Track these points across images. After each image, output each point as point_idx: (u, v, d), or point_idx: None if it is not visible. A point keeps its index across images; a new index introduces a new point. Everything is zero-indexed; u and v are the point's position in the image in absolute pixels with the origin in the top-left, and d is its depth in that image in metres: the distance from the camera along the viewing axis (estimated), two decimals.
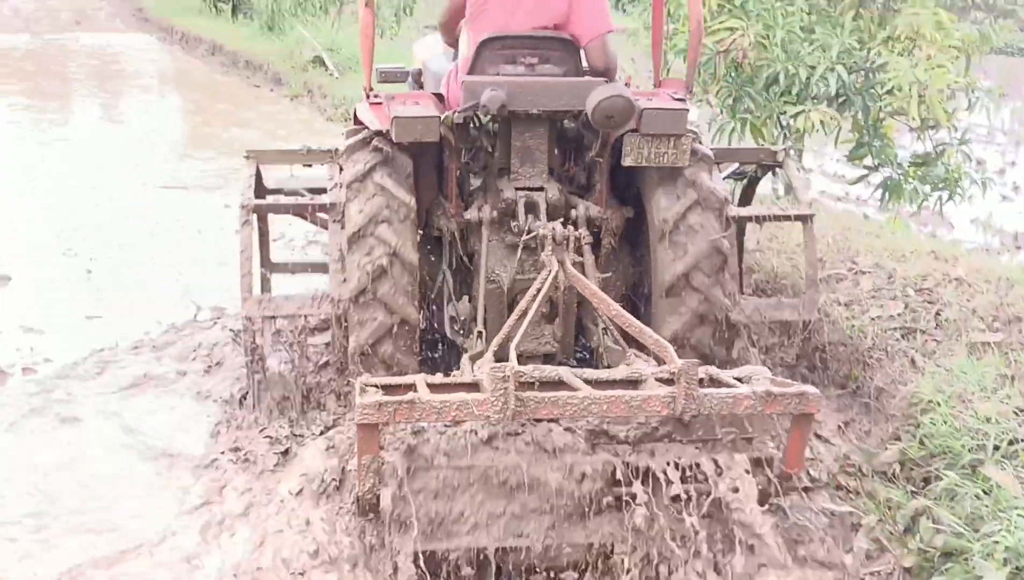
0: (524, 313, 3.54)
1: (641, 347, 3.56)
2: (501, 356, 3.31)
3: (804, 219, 4.29)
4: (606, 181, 4.08)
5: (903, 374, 4.19)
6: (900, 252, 5.34)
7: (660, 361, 3.33)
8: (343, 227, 3.87)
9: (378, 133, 3.87)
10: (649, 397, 3.02)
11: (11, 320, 5.23)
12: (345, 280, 3.83)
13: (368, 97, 4.00)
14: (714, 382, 3.17)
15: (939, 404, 3.79)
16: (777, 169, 4.91)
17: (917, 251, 5.37)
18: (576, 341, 4.16)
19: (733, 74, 6.80)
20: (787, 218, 4.54)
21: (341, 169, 4.07)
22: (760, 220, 4.50)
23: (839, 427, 4.25)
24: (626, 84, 4.17)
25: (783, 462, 3.33)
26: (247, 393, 4.26)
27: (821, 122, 6.45)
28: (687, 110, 3.89)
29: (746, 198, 4.95)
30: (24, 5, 26.03)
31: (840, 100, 6.77)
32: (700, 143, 4.04)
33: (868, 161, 7.10)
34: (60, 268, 6.16)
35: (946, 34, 6.48)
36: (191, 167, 9.15)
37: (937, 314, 4.55)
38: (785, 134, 6.98)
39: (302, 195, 4.51)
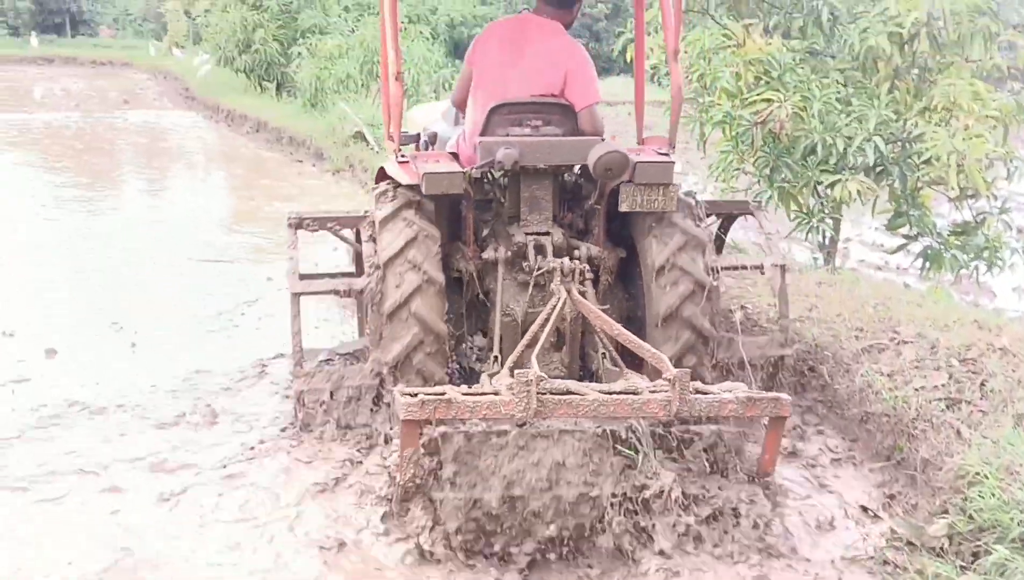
0: (536, 336, 4.09)
1: (638, 366, 4.19)
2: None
3: (780, 268, 4.85)
4: (602, 225, 4.75)
5: (949, 446, 4.11)
6: (942, 321, 5.28)
7: (657, 374, 3.78)
8: (378, 310, 4.44)
9: (408, 187, 4.51)
10: (649, 400, 3.53)
11: (57, 393, 5.30)
12: (380, 352, 4.42)
13: (396, 158, 4.67)
14: (700, 392, 3.64)
15: (987, 476, 3.70)
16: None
17: (960, 320, 5.30)
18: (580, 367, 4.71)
19: (770, 144, 6.85)
20: (759, 268, 4.93)
21: (372, 238, 4.59)
22: (735, 269, 5.08)
23: (885, 501, 4.17)
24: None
25: (760, 462, 3.81)
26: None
27: (858, 192, 6.47)
28: (673, 162, 4.57)
29: (719, 244, 5.35)
30: (74, 85, 26.94)
31: (877, 170, 6.80)
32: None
33: (906, 230, 7.08)
34: (107, 342, 6.25)
35: (983, 104, 6.50)
36: (235, 241, 9.33)
37: (982, 384, 4.47)
38: (822, 203, 7.00)
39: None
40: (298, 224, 4.88)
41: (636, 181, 4.42)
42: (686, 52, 7.13)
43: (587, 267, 4.50)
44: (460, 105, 5.07)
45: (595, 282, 4.61)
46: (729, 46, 7.10)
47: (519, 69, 4.74)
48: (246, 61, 19.03)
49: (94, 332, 6.43)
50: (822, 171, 6.65)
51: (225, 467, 4.41)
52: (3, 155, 14.70)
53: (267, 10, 18.28)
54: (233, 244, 9.15)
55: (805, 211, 6.96)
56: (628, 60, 7.15)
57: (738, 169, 7.34)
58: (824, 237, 7.37)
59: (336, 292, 4.81)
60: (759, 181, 7.21)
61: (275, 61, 18.49)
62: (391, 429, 4.33)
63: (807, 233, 7.08)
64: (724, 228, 5.43)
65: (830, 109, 6.58)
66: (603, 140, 4.54)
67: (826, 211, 6.93)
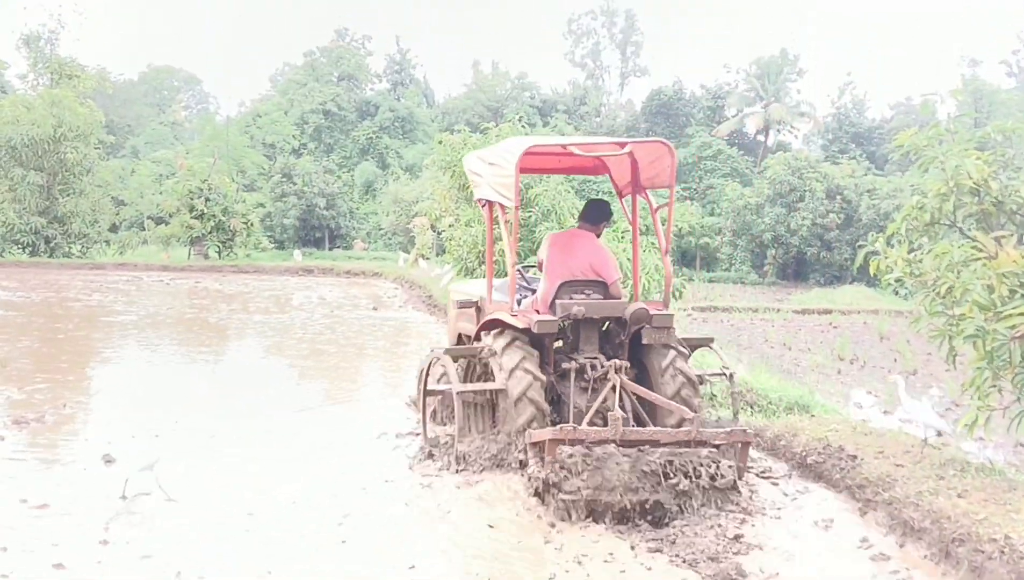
0: (606, 400, 7.73)
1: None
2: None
3: (729, 376, 8.93)
4: (626, 352, 8.26)
5: None
6: None
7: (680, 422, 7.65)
8: (507, 398, 7.85)
9: (515, 329, 8.02)
10: (680, 430, 7.24)
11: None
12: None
13: (513, 313, 8.18)
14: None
15: None
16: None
17: None
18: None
19: None
20: (719, 374, 9.11)
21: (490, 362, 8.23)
22: (702, 379, 8.84)
23: None
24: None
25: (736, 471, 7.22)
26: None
27: None
28: (673, 314, 8.13)
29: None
30: (330, 293, 29.14)
31: None
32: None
33: None
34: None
35: None
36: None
37: None
38: None
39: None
40: (443, 353, 8.65)
41: (653, 325, 8.04)
42: (936, 261, 6.94)
43: (627, 364, 8.07)
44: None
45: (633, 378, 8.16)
46: (980, 258, 6.85)
47: (574, 260, 8.43)
48: (485, 272, 19.98)
49: None
50: None
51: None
52: (259, 345, 16.05)
53: (506, 224, 19.41)
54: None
55: None
56: (873, 274, 7.06)
57: (994, 386, 6.91)
58: None
59: (485, 392, 8.33)
60: (1019, 399, 6.74)
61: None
62: (527, 454, 7.39)
63: None
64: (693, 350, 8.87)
65: None
66: (636, 304, 8.16)
67: None
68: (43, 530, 6.46)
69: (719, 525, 6.69)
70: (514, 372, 7.74)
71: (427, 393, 8.95)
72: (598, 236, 8.82)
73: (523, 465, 7.44)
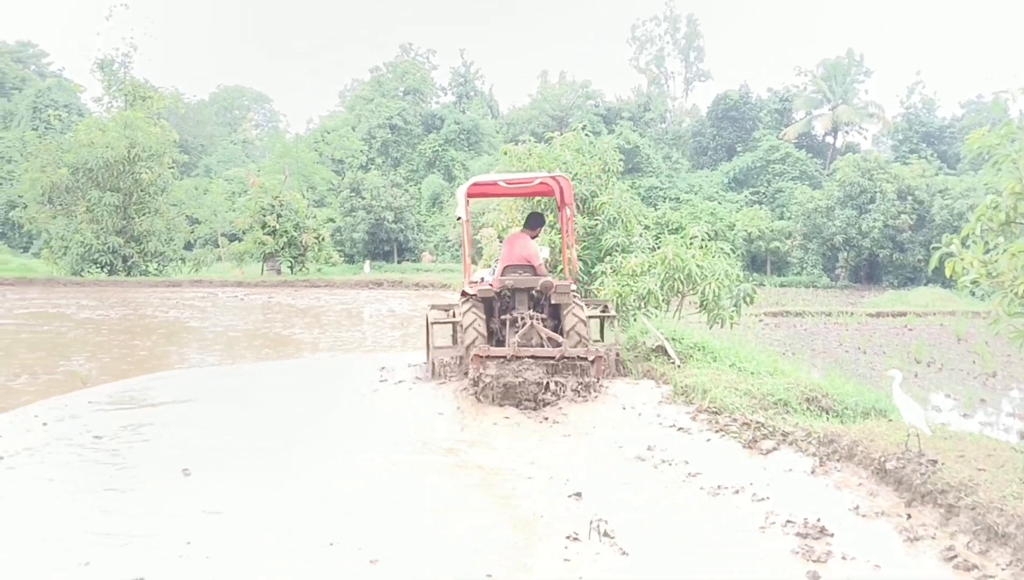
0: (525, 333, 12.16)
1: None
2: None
3: (611, 318, 14.09)
4: (546, 309, 12.78)
5: None
6: None
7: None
8: (463, 335, 12.47)
9: (475, 295, 12.60)
10: (554, 350, 11.82)
11: None
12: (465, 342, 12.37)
13: (470, 282, 13.22)
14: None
15: None
16: None
17: None
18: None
19: None
20: (607, 316, 14.12)
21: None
22: (595, 317, 13.88)
23: None
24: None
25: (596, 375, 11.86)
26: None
27: None
28: (571, 283, 12.91)
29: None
30: (399, 306, 29.44)
31: None
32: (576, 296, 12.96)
33: None
34: None
35: None
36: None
37: None
38: None
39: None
40: (433, 307, 14.38)
41: (558, 291, 12.54)
42: (1013, 261, 6.78)
43: (542, 315, 12.52)
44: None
45: (544, 323, 12.46)
46: None
47: (515, 252, 13.04)
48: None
49: None
50: None
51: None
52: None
53: (575, 232, 19.41)
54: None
55: None
56: (949, 275, 6.91)
57: None
58: None
59: (452, 323, 13.86)
60: None
61: (579, 280, 19.40)
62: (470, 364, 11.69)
63: None
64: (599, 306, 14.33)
65: None
66: (544, 278, 12.65)
67: None
68: (124, 544, 6.63)
69: (575, 402, 11.48)
70: (466, 314, 12.55)
71: (429, 332, 14.08)
72: (534, 237, 13.57)
73: (466, 373, 12.18)
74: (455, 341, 13.92)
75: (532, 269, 13.01)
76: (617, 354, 13.01)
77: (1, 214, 62.35)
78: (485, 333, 12.41)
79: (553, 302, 12.72)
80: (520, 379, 11.43)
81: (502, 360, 11.58)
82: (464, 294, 13.03)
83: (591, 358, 11.78)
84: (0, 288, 35.51)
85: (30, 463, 8.73)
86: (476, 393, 11.56)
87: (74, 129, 44.24)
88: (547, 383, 11.50)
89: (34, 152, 44.13)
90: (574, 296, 12.82)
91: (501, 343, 12.42)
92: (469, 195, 13.26)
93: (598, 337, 14.55)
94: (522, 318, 12.39)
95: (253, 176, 54.01)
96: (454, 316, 13.86)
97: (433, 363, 13.16)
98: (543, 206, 17.89)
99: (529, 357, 11.69)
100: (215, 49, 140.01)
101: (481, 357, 11.58)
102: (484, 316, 12.61)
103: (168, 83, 69.51)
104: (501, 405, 11.29)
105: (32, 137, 48.51)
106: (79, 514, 7.26)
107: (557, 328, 12.59)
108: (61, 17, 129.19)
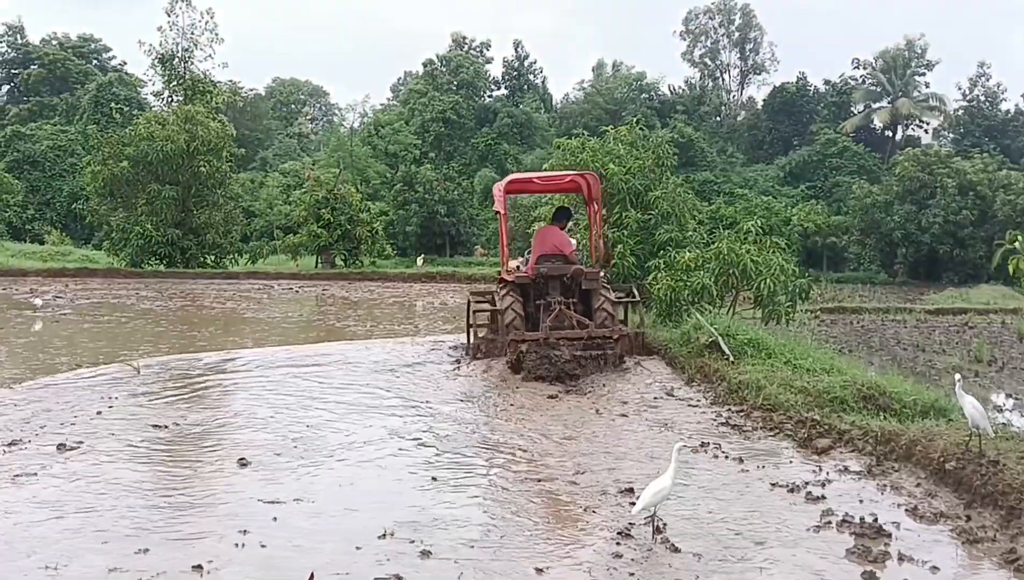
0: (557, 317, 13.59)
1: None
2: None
3: (636, 303, 15.48)
4: (577, 294, 14.05)
5: None
6: None
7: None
8: (502, 319, 13.96)
9: (512, 282, 14.12)
10: (583, 330, 13.43)
11: None
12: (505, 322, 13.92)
13: (507, 270, 14.78)
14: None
15: None
16: None
17: None
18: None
19: None
20: (632, 301, 15.53)
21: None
22: (621, 301, 15.12)
23: None
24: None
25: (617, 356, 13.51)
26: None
27: None
28: (599, 271, 14.55)
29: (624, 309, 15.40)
30: (451, 299, 29.56)
31: None
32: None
33: None
34: None
35: None
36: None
37: None
38: None
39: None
40: (473, 294, 16.13)
41: (587, 278, 14.06)
42: None
43: (574, 300, 13.89)
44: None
45: (574, 307, 13.80)
46: None
47: (547, 243, 14.59)
48: (606, 276, 19.96)
49: None
50: None
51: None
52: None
53: (627, 227, 19.27)
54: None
55: None
56: (1011, 272, 6.76)
57: None
58: None
59: (491, 311, 14.91)
60: None
61: (631, 274, 19.27)
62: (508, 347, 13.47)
63: None
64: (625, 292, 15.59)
65: None
66: (575, 265, 14.18)
67: None
68: (182, 530, 6.75)
69: (604, 384, 12.62)
70: (504, 298, 13.91)
71: (469, 316, 15.46)
72: (562, 229, 15.15)
73: (504, 353, 13.68)
74: (493, 325, 14.89)
75: (564, 258, 14.32)
76: (642, 335, 14.64)
77: (64, 206, 63.67)
78: (523, 315, 13.71)
79: (584, 288, 14.02)
80: (553, 358, 12.76)
81: (537, 342, 12.97)
82: (502, 281, 14.46)
83: (616, 337, 13.37)
84: (63, 279, 36.28)
85: (97, 449, 8.91)
86: (515, 371, 13.01)
87: (135, 123, 44.96)
88: (578, 360, 12.92)
89: (96, 145, 44.96)
90: (602, 282, 14.24)
91: (536, 326, 13.63)
92: (506, 192, 15.02)
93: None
94: (555, 303, 13.59)
95: (308, 170, 54.54)
96: (493, 302, 14.87)
97: (476, 344, 14.58)
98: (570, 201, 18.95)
99: (560, 339, 13.01)
100: (271, 42, 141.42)
101: (517, 340, 13.08)
102: (521, 300, 13.86)
103: (226, 76, 70.25)
104: (537, 381, 12.60)
105: (94, 131, 49.46)
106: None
107: (587, 312, 13.86)
108: (123, 11, 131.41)
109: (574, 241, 15.50)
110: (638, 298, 15.48)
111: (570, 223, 15.90)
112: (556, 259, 14.28)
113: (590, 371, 12.96)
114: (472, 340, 14.96)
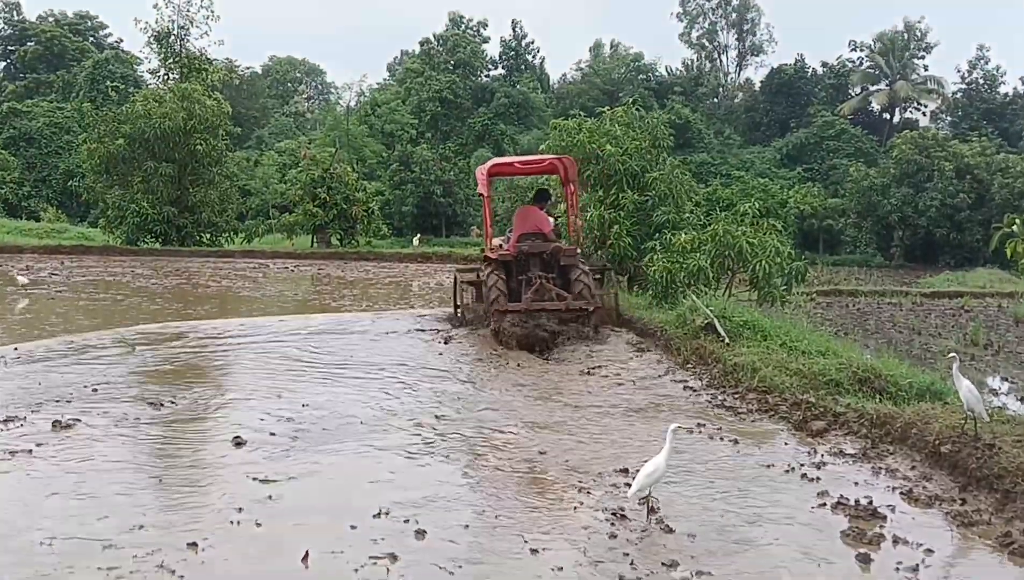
0: (538, 290, 14.57)
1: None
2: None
3: (605, 270, 16.65)
4: (557, 270, 14.93)
5: None
6: None
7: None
8: (487, 293, 15.03)
9: (496, 259, 15.05)
10: (560, 303, 14.40)
11: None
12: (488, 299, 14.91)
13: (491, 249, 15.63)
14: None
15: None
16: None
17: None
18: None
19: None
20: (603, 268, 16.68)
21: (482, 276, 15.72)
22: (594, 271, 15.72)
23: None
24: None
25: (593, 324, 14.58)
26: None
27: None
28: (576, 248, 15.51)
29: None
30: (447, 279, 29.48)
31: None
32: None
33: None
34: None
35: None
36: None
37: None
38: None
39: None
40: (459, 270, 18.07)
41: (565, 255, 15.01)
42: None
43: (552, 275, 14.81)
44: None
45: (553, 281, 14.72)
46: None
47: (527, 222, 15.55)
48: (602, 256, 19.95)
49: None
50: None
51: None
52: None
53: (623, 208, 19.23)
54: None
55: None
56: (1009, 255, 6.75)
57: None
58: None
59: (475, 283, 16.09)
60: None
61: (628, 256, 19.24)
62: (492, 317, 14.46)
63: None
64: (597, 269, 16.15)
65: None
66: (554, 243, 15.16)
67: None
68: (177, 508, 6.75)
69: (580, 349, 13.61)
70: (489, 275, 14.82)
71: (455, 290, 16.79)
72: (541, 209, 16.07)
73: (488, 324, 14.67)
74: (478, 298, 15.89)
75: (543, 236, 15.26)
76: (615, 307, 15.79)
77: (60, 184, 63.43)
78: (506, 290, 14.64)
79: (562, 264, 14.96)
80: (533, 328, 13.71)
81: (518, 314, 13.96)
82: (487, 258, 15.55)
83: (591, 309, 14.46)
84: (59, 256, 36.18)
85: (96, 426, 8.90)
86: (499, 340, 13.92)
87: (131, 100, 44.72)
88: (556, 332, 13.85)
89: (92, 123, 44.73)
90: (579, 259, 15.16)
91: (518, 299, 14.55)
92: (489, 174, 16.27)
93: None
94: (535, 278, 14.59)
95: (304, 148, 54.32)
96: (478, 277, 15.90)
97: (463, 315, 16.02)
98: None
99: (540, 310, 14.08)
100: (265, 20, 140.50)
101: (501, 311, 14.12)
102: (504, 276, 14.83)
103: (222, 54, 69.93)
104: (518, 350, 13.45)
105: (90, 108, 49.22)
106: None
107: (565, 287, 14.79)
108: None
109: (552, 220, 16.21)
110: (613, 274, 16.93)
111: (549, 203, 17.00)
112: (536, 237, 15.19)
113: (568, 338, 13.93)
114: (459, 312, 16.25)
